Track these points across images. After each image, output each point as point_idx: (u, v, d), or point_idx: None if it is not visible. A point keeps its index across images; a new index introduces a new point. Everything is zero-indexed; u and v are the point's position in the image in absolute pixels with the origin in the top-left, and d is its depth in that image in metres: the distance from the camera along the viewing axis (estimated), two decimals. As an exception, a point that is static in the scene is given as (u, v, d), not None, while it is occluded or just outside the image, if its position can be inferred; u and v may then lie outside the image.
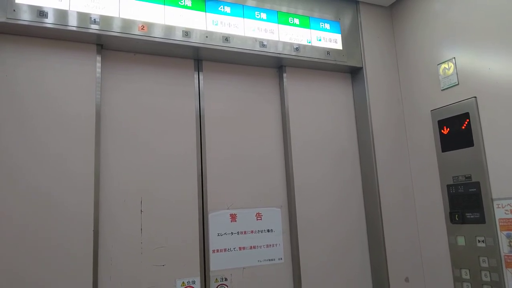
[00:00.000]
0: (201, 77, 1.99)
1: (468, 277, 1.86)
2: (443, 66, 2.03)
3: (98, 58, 1.75)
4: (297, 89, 2.17)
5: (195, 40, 1.85)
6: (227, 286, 1.85)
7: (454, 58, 1.97)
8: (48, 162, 1.59)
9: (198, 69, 1.99)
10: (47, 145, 1.60)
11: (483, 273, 1.79)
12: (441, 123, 2.01)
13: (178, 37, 1.81)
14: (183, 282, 1.76)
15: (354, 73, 2.32)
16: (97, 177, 1.66)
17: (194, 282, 1.78)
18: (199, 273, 1.80)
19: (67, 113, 1.66)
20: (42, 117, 1.62)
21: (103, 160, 1.72)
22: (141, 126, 1.82)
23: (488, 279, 1.77)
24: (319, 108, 2.21)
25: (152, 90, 1.87)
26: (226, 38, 1.92)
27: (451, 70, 1.99)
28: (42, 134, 1.60)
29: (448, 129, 1.97)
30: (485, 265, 1.79)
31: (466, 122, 1.88)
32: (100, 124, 1.72)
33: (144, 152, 1.80)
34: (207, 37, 1.87)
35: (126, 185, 1.74)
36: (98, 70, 1.74)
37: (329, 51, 2.16)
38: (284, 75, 2.14)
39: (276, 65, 2.16)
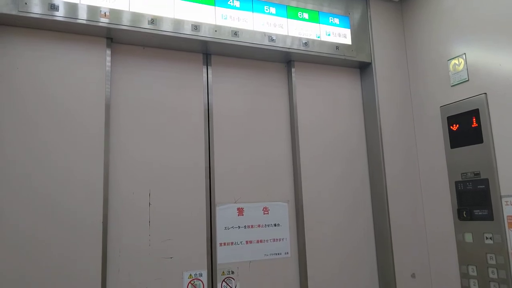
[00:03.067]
0: (209, 71, 1.99)
1: (475, 273, 1.85)
2: (453, 62, 2.02)
3: (108, 52, 1.76)
4: (306, 84, 2.16)
5: (204, 34, 1.85)
6: (234, 279, 1.86)
7: (465, 54, 1.96)
8: (58, 155, 1.61)
9: (207, 63, 2.00)
10: (57, 139, 1.62)
11: (490, 270, 1.79)
12: (451, 120, 2.00)
13: (187, 31, 1.82)
14: (190, 275, 1.77)
15: (363, 68, 2.31)
16: (106, 170, 1.68)
17: (201, 275, 1.79)
18: (206, 266, 1.81)
19: (77, 106, 1.67)
20: (52, 110, 1.63)
21: (112, 153, 1.73)
22: (150, 120, 1.83)
23: (496, 276, 1.76)
24: (327, 103, 2.21)
25: (161, 83, 1.88)
26: (235, 32, 1.91)
27: (461, 66, 1.97)
28: (52, 127, 1.62)
29: (458, 126, 1.96)
30: (493, 262, 1.78)
31: (476, 119, 1.87)
32: (109, 117, 1.73)
33: (152, 145, 1.81)
34: (216, 31, 1.88)
35: (134, 178, 1.76)
36: (108, 63, 1.75)
37: (338, 46, 2.15)
38: (293, 70, 2.14)
39: (284, 60, 2.16)
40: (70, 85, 1.68)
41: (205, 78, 1.97)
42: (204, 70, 1.98)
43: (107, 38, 1.76)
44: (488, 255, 1.80)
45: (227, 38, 1.90)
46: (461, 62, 1.97)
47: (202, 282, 1.79)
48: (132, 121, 1.80)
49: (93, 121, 1.68)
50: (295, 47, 2.04)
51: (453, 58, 2.02)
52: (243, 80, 2.06)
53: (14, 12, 1.54)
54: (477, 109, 1.87)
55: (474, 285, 1.86)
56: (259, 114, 2.06)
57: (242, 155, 1.98)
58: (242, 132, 2.00)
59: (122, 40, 1.81)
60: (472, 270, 1.87)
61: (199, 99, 1.94)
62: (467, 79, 1.94)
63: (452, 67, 2.02)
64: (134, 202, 1.74)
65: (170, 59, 1.92)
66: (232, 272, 1.86)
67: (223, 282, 1.84)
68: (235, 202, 1.93)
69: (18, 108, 1.58)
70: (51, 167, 1.59)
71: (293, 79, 2.13)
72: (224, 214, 1.90)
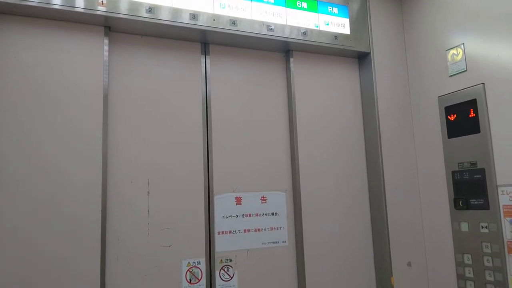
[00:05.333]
0: (208, 61, 1.99)
1: (470, 262, 1.88)
2: (451, 52, 2.02)
3: (106, 41, 1.75)
4: (304, 73, 2.16)
5: (202, 23, 1.84)
6: (232, 267, 1.88)
7: (463, 44, 1.95)
8: (57, 144, 1.62)
9: (205, 52, 1.99)
10: (55, 127, 1.62)
11: (485, 258, 1.81)
12: (448, 110, 2.00)
13: (185, 19, 1.81)
14: (188, 263, 1.79)
15: (362, 58, 2.30)
16: (105, 159, 1.69)
17: (199, 263, 1.81)
18: (204, 254, 1.83)
19: (75, 95, 1.67)
20: (50, 99, 1.63)
21: (111, 142, 1.74)
22: (148, 109, 1.83)
23: (491, 264, 1.79)
24: (325, 93, 2.21)
25: (159, 72, 1.88)
26: (234, 22, 1.91)
27: (460, 56, 1.97)
28: (50, 116, 1.62)
29: (455, 116, 1.97)
30: (488, 250, 1.80)
31: (473, 109, 1.87)
32: (107, 106, 1.73)
33: (151, 134, 1.82)
34: (214, 20, 1.87)
35: (133, 167, 1.76)
36: (106, 53, 1.75)
37: (336, 36, 2.15)
38: (291, 59, 2.13)
39: (283, 49, 2.15)
40: (68, 74, 1.67)
41: (203, 68, 1.97)
42: (202, 59, 1.98)
43: (105, 26, 1.76)
44: (484, 244, 1.82)
45: (225, 27, 1.89)
46: (459, 52, 1.97)
47: (201, 270, 1.81)
48: (130, 111, 1.80)
49: (91, 110, 1.68)
50: (293, 36, 2.03)
51: (451, 48, 2.02)
52: (241, 70, 2.06)
53: (11, 1, 1.54)
54: (475, 99, 1.87)
55: (469, 273, 1.88)
56: (258, 104, 2.06)
57: (240, 145, 1.99)
58: (240, 121, 2.01)
59: (120, 28, 1.80)
60: (468, 259, 1.89)
61: (197, 88, 1.94)
62: (465, 69, 1.94)
63: (451, 57, 2.02)
64: (132, 191, 1.75)
65: (168, 48, 1.91)
66: (230, 260, 1.88)
67: (221, 270, 1.86)
68: (233, 192, 1.94)
69: (13, 97, 1.58)
70: (49, 156, 1.60)
71: (292, 68, 2.13)
72: (222, 203, 1.91)
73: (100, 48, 1.74)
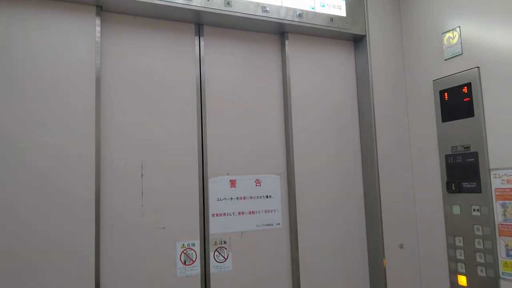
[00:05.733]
0: (202, 42, 1.96)
1: (461, 244, 1.90)
2: (447, 35, 2.00)
3: (98, 21, 1.72)
4: (299, 56, 2.15)
5: (196, 4, 1.81)
6: (226, 249, 1.89)
7: (459, 27, 1.94)
8: (48, 128, 1.60)
9: (199, 33, 1.96)
10: (46, 111, 1.60)
11: (476, 240, 1.84)
12: (443, 93, 2.00)
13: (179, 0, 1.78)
14: (183, 244, 1.80)
15: (357, 41, 2.29)
16: (98, 142, 1.67)
17: (193, 245, 1.82)
18: (198, 236, 1.84)
19: (67, 77, 1.65)
20: (41, 82, 1.61)
21: (103, 125, 1.72)
22: (141, 91, 1.81)
23: (481, 246, 1.81)
24: (320, 75, 2.20)
25: (152, 54, 1.85)
26: (228, 2, 1.88)
27: (456, 40, 1.96)
28: (41, 100, 1.60)
29: (450, 99, 1.97)
30: (479, 233, 1.82)
31: (468, 93, 1.87)
32: (100, 88, 1.71)
33: (144, 117, 1.80)
34: (208, 0, 1.84)
35: (126, 149, 1.75)
36: (98, 34, 1.71)
37: (332, 18, 2.13)
38: (286, 41, 2.11)
39: (278, 31, 2.13)
40: (59, 55, 1.64)
41: (197, 49, 1.95)
42: (196, 40, 1.95)
43: (97, 6, 1.72)
44: (475, 227, 1.85)
45: (219, 8, 1.86)
46: (455, 36, 1.96)
47: (195, 252, 1.82)
48: (123, 93, 1.78)
49: (83, 92, 1.66)
50: (289, 18, 2.01)
51: (447, 32, 2.00)
52: (236, 51, 2.04)
53: (-1, -22, 1.50)
54: (470, 83, 1.87)
55: (460, 255, 1.91)
56: (252, 86, 2.05)
57: (234, 127, 1.98)
58: (234, 104, 2.00)
59: (112, 8, 1.77)
60: (459, 241, 1.92)
61: (191, 70, 1.92)
62: (460, 52, 1.94)
63: (446, 40, 2.01)
64: (126, 173, 1.74)
65: (161, 29, 1.88)
66: (225, 242, 1.89)
67: (216, 251, 1.87)
68: (227, 174, 1.94)
69: (3, 79, 1.55)
70: (41, 141, 1.58)
71: (287, 51, 2.11)
72: (217, 186, 1.91)
73: (92, 28, 1.71)
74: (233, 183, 1.95)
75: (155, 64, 1.85)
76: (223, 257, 1.88)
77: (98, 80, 1.70)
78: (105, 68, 1.75)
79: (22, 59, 1.59)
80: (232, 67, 2.02)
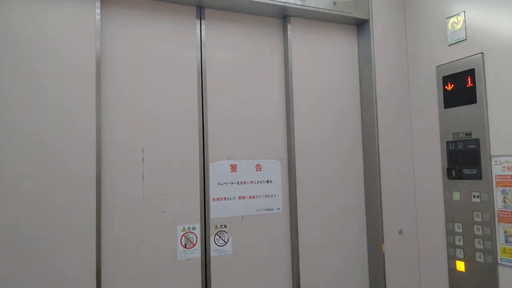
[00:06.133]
0: (203, 26, 1.94)
1: (460, 230, 1.91)
2: (452, 20, 1.98)
3: (98, 3, 1.70)
4: (302, 40, 2.12)
5: (197, -14, 1.79)
6: (226, 233, 1.91)
7: (464, 11, 1.92)
8: (49, 111, 1.59)
9: (200, 16, 1.94)
10: (46, 94, 1.59)
11: (475, 227, 1.84)
12: (446, 79, 1.99)
13: (180, -19, 1.76)
14: (183, 228, 1.81)
15: (360, 26, 2.26)
16: (99, 125, 1.67)
17: (194, 228, 1.83)
18: (199, 219, 1.85)
19: (67, 60, 1.63)
20: (40, 64, 1.59)
21: (104, 109, 1.71)
22: (142, 74, 1.80)
23: (480, 232, 1.82)
24: (323, 60, 2.18)
25: (153, 37, 1.83)
26: (230, -15, 1.85)
27: (460, 25, 1.93)
28: (41, 81, 1.59)
29: (452, 86, 1.95)
30: (478, 219, 1.83)
31: (471, 79, 1.86)
32: (100, 71, 1.70)
33: (144, 101, 1.79)
34: (210, -18, 1.81)
35: (127, 133, 1.75)
36: (98, 16, 1.69)
37: (335, 2, 2.10)
38: (289, 25, 2.09)
39: (280, 15, 2.10)
40: (59, 38, 1.63)
41: (198, 33, 1.93)
42: (198, 24, 1.93)
43: (97, -12, 1.70)
44: (475, 213, 1.85)
45: (221, -10, 1.84)
46: (459, 21, 1.94)
47: (195, 235, 1.83)
48: (123, 76, 1.77)
49: (83, 76, 1.65)
50: (291, 1, 1.98)
51: (452, 16, 1.98)
52: (237, 35, 2.01)
53: (-3, -43, 1.48)
54: (473, 69, 1.85)
55: (459, 241, 1.92)
56: (253, 70, 2.03)
57: (235, 112, 1.97)
58: (235, 88, 1.98)
59: (112, -10, 1.75)
60: (458, 227, 1.92)
61: (192, 54, 1.90)
62: (465, 38, 1.91)
63: (451, 25, 1.98)
64: (127, 157, 1.74)
65: (162, 12, 1.86)
66: (225, 226, 1.91)
67: (216, 235, 1.88)
68: (228, 159, 1.94)
69: (3, 61, 1.54)
70: (41, 125, 1.58)
71: (289, 35, 2.09)
72: (217, 170, 1.91)
73: (92, 10, 1.68)
74: (233, 167, 1.95)
75: (156, 47, 1.84)
76: (224, 240, 1.90)
77: (98, 63, 1.68)
78: (105, 51, 1.74)
79: (22, 42, 1.57)
80: (234, 51, 2.00)
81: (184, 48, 1.89)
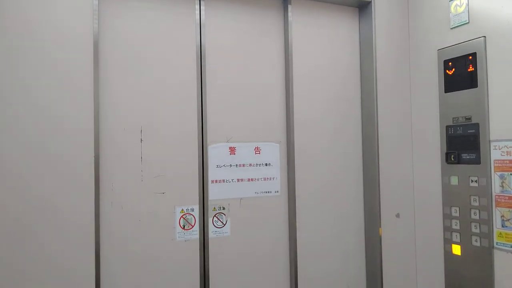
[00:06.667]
0: (202, 6, 1.91)
1: (457, 214, 1.92)
2: (454, 2, 1.95)
3: (95, -18, 1.67)
4: (302, 21, 2.10)
5: (197, -36, 1.76)
6: (225, 215, 1.91)
7: (467, -6, 1.89)
8: (46, 94, 1.58)
9: (200, -4, 1.92)
10: (44, 77, 1.58)
11: (472, 211, 1.85)
12: (447, 63, 1.97)
13: (179, -40, 1.72)
14: (182, 209, 1.82)
15: (362, 8, 2.23)
16: (97, 106, 1.66)
17: (193, 210, 1.84)
18: (198, 201, 1.85)
19: (64, 38, 1.61)
20: (37, 45, 1.57)
21: (102, 90, 1.70)
22: (141, 55, 1.78)
23: (477, 217, 1.83)
24: (323, 42, 2.15)
25: (152, 18, 1.81)
26: (230, -36, 1.82)
27: (463, 8, 1.91)
28: (37, 63, 1.57)
29: (454, 69, 1.94)
30: (476, 204, 1.84)
31: (473, 63, 1.84)
32: (98, 52, 1.68)
33: (143, 81, 1.78)
34: (209, -39, 1.78)
35: (125, 114, 1.74)
36: (96, -7, 1.67)
37: (337, -17, 2.06)
38: (289, 6, 2.06)
39: (281, -4, 2.07)
40: (57, 19, 1.60)
41: (197, 13, 1.90)
42: (197, 5, 1.90)
43: (94, -34, 1.67)
44: (472, 197, 1.86)
45: (221, -31, 1.80)
46: (462, 3, 1.91)
47: (194, 217, 1.84)
48: (121, 57, 1.75)
49: (81, 57, 1.63)
50: (292, -18, 1.95)
51: (455, -1, 1.95)
52: (237, 17, 1.98)
53: None
54: (475, 53, 1.84)
55: (455, 225, 1.93)
56: (253, 52, 2.01)
57: (235, 95, 1.96)
58: (235, 70, 1.97)
59: (110, -32, 1.72)
60: (455, 211, 1.94)
61: (191, 35, 1.88)
62: (467, 21, 1.89)
63: (453, 8, 1.96)
64: (125, 138, 1.74)
65: (161, -9, 1.83)
66: (223, 208, 1.91)
67: (214, 217, 1.89)
68: (227, 141, 1.94)
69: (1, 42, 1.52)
70: (39, 106, 1.57)
71: (289, 16, 2.06)
72: (216, 152, 1.91)
73: (89, -12, 1.66)
74: (232, 150, 1.95)
75: (155, 28, 1.81)
76: (222, 222, 1.91)
77: (96, 44, 1.66)
78: (103, 32, 1.72)
79: (19, 22, 1.55)
80: (233, 31, 1.97)
81: (184, 28, 1.86)
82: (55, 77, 1.59)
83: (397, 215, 2.15)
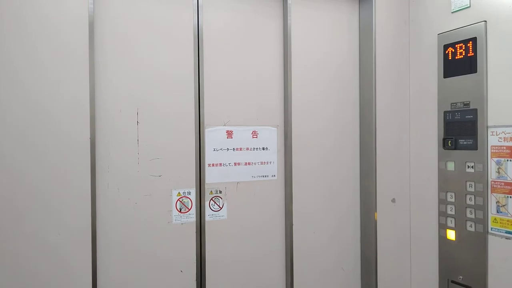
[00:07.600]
0: (200, -14, 1.88)
1: (453, 200, 1.93)
2: (456, -14, 1.93)
3: (91, -40, 1.63)
4: (302, 5, 2.06)
5: None
6: (222, 198, 1.92)
7: (469, -23, 1.86)
8: (42, 76, 1.56)
9: (198, -24, 1.88)
10: (39, 58, 1.56)
11: (468, 197, 1.86)
12: (447, 48, 1.95)
13: None
14: (179, 193, 1.82)
15: (362, -9, 2.20)
16: (92, 88, 1.64)
17: (189, 193, 1.84)
18: (194, 184, 1.85)
19: (59, 21, 1.58)
20: (32, 26, 1.55)
21: (98, 72, 1.68)
22: (137, 36, 1.75)
23: (472, 202, 1.84)
24: (322, 27, 2.13)
25: (149, -3, 1.78)
26: None
27: (464, -9, 1.88)
28: (33, 44, 1.55)
29: (453, 54, 1.92)
30: (471, 189, 1.85)
31: (473, 48, 1.83)
32: (93, 34, 1.65)
33: (140, 63, 1.75)
34: None
35: (122, 96, 1.72)
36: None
37: (337, -36, 2.03)
38: (288, -12, 2.03)
39: (280, -22, 2.04)
40: (51, 1, 1.58)
41: (195, -7, 1.87)
42: (195, -16, 1.87)
43: None
44: (468, 183, 1.87)
45: (219, -52, 1.76)
46: (464, -13, 1.89)
47: (191, 200, 1.84)
48: (117, 39, 1.72)
49: (76, 38, 1.61)
50: (292, -37, 1.91)
51: (456, -18, 1.92)
52: (237, 1, 1.96)
53: None
54: (475, 38, 1.82)
55: (451, 210, 1.95)
56: (252, 37, 1.98)
57: (233, 78, 1.94)
58: (233, 53, 1.94)
59: None
60: (451, 197, 1.95)
61: (188, 16, 1.85)
62: (468, 5, 1.87)
63: (455, -8, 1.93)
64: (121, 120, 1.72)
65: (158, -30, 1.79)
66: (220, 192, 1.92)
67: (211, 200, 1.89)
68: (224, 125, 1.93)
69: (-4, 16, 1.50)
70: (34, 88, 1.55)
71: (289, 1, 2.02)
72: (213, 136, 1.90)
73: (84, -34, 1.62)
74: (229, 133, 1.94)
75: (152, 9, 1.78)
76: (218, 206, 1.91)
77: (91, 25, 1.63)
78: (99, 13, 1.68)
79: (14, 4, 1.52)
80: (232, 15, 1.94)
81: (181, 9, 1.83)
82: (50, 59, 1.57)
83: (393, 200, 2.16)
